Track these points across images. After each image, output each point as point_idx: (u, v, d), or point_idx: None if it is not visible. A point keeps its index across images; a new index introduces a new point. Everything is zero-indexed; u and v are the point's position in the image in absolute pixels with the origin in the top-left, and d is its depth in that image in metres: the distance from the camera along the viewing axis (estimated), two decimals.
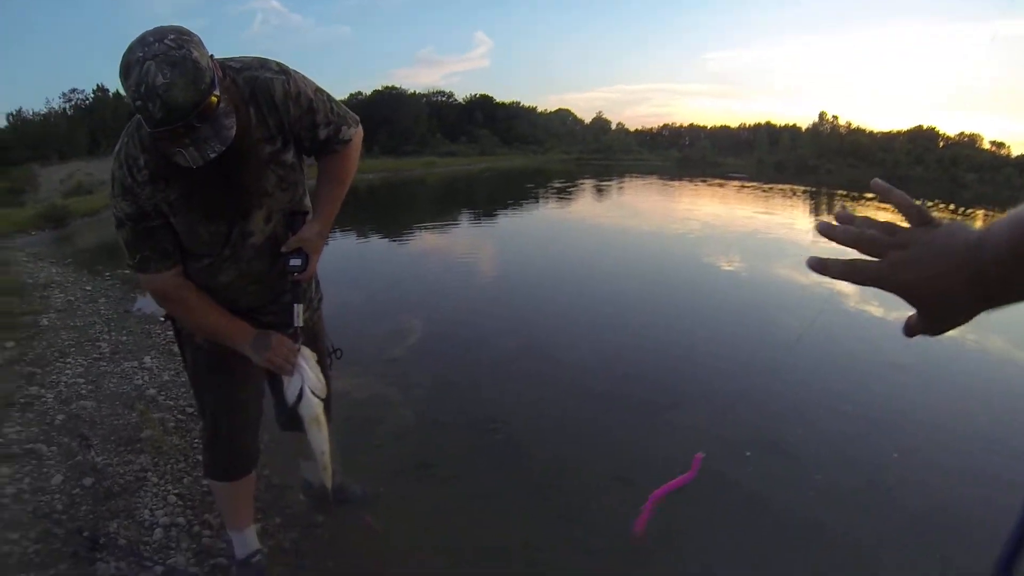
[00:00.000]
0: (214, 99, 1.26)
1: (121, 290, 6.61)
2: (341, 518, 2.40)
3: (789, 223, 12.22)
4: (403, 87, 62.30)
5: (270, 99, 1.46)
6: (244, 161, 1.41)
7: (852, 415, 3.39)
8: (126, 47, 1.22)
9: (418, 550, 2.26)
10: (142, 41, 1.21)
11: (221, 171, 1.36)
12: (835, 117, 61.88)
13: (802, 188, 23.59)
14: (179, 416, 3.29)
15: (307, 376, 1.61)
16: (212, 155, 1.29)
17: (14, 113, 40.80)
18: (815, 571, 2.20)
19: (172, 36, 1.22)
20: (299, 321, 1.65)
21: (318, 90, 1.58)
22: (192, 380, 1.88)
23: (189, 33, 1.27)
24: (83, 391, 3.63)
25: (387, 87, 59.80)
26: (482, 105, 65.67)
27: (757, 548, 2.29)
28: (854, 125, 60.29)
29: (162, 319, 1.83)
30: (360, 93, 57.14)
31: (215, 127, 1.28)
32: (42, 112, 41.50)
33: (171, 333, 4.42)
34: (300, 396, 1.60)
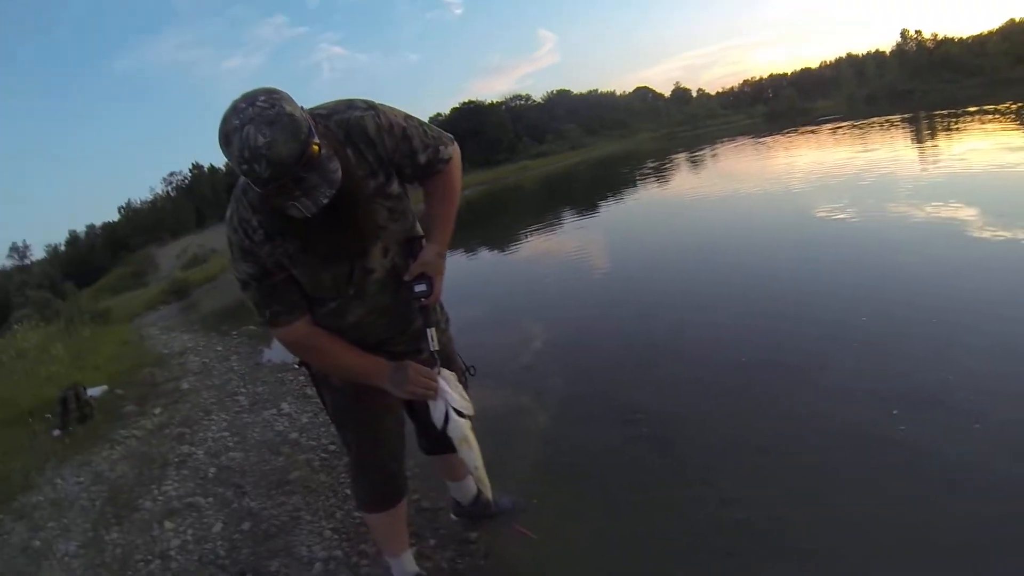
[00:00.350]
0: (315, 147, 1.27)
1: (249, 345, 7.06)
2: (494, 532, 2.39)
3: (891, 158, 11.27)
4: (480, 98, 63.14)
5: (364, 136, 1.48)
6: (353, 201, 1.42)
7: (1002, 355, 2.99)
8: (221, 118, 1.25)
9: (577, 552, 2.22)
10: (235, 109, 1.23)
11: (333, 215, 1.37)
12: (918, 32, 56.76)
13: (899, 117, 21.77)
14: (323, 455, 3.41)
15: (451, 397, 1.60)
16: (324, 200, 1.31)
17: (124, 206, 45.28)
18: (985, 530, 1.94)
19: (263, 97, 1.25)
20: (435, 344, 1.66)
21: (408, 117, 1.59)
22: (333, 419, 1.93)
23: (277, 91, 1.29)
24: (230, 443, 3.88)
25: (465, 102, 60.79)
26: (561, 100, 65.25)
27: (920, 512, 2.07)
28: (940, 36, 55.14)
29: (296, 365, 1.89)
30: (439, 114, 58.20)
31: (322, 173, 1.30)
32: (148, 199, 45.81)
33: (303, 378, 4.58)
34: (447, 419, 1.60)
